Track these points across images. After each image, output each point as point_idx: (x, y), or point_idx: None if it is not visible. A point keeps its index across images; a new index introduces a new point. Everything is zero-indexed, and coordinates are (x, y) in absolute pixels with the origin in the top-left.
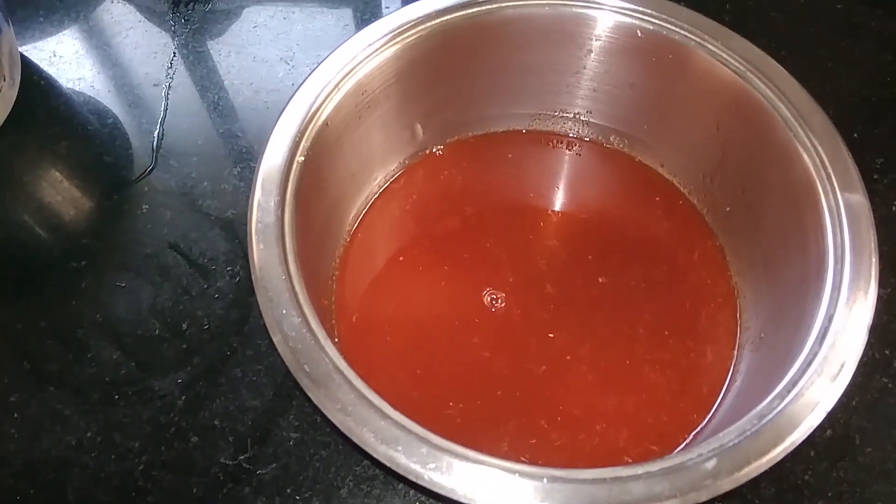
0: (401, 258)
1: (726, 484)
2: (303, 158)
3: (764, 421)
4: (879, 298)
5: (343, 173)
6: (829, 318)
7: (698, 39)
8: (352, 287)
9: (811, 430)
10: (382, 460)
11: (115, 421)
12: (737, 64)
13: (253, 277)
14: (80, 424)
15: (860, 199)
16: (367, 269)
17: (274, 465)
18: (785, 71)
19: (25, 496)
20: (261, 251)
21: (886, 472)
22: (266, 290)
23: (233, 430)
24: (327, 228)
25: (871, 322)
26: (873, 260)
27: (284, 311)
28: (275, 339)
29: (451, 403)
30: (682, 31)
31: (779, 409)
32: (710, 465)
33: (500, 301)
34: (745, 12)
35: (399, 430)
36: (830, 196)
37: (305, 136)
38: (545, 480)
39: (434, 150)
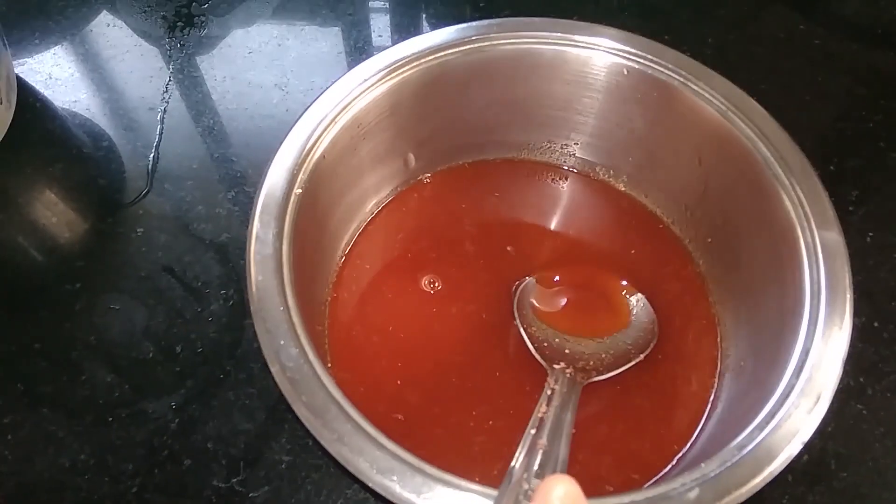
0: (392, 283)
1: None
2: (300, 190)
3: (744, 452)
4: (854, 327)
5: (338, 203)
6: (806, 352)
7: (682, 79)
8: (344, 312)
9: (789, 461)
10: (378, 490)
11: (108, 443)
12: (718, 103)
13: (251, 308)
14: (73, 446)
15: (836, 236)
16: (359, 295)
17: (266, 487)
18: (764, 111)
19: None
20: (259, 282)
21: (861, 497)
22: (264, 321)
23: (225, 452)
24: (321, 257)
25: (845, 356)
26: (848, 296)
27: (283, 342)
28: (273, 370)
29: (441, 427)
30: (667, 71)
31: (758, 440)
32: (693, 494)
33: (485, 323)
34: (726, 46)
35: (394, 460)
36: (808, 233)
37: (303, 169)
38: None
39: (425, 177)
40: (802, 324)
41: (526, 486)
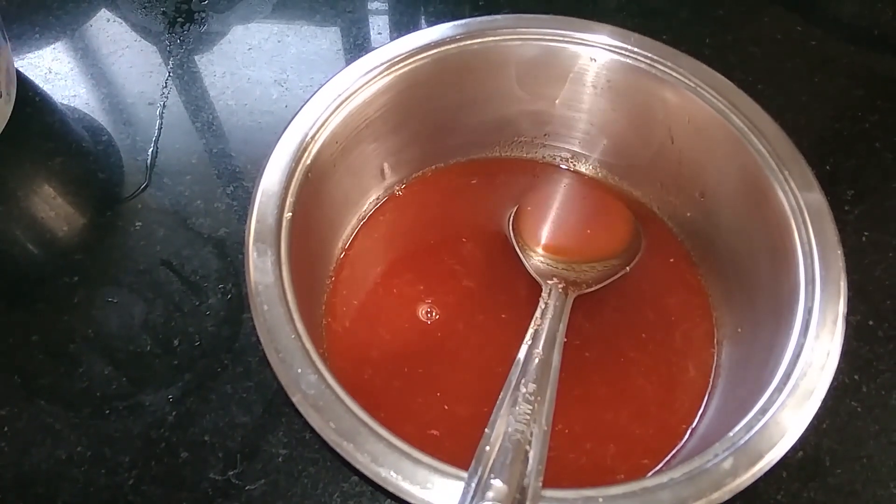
0: (385, 297)
1: (746, 481)
2: (290, 214)
3: (768, 416)
4: (849, 325)
5: (323, 221)
6: (809, 311)
7: (648, 62)
8: (340, 333)
9: (815, 411)
10: None
11: (105, 435)
12: (687, 81)
13: (262, 340)
14: (70, 438)
15: (818, 196)
16: (353, 314)
17: (263, 480)
18: (732, 84)
19: None
20: (266, 312)
21: (855, 493)
22: (277, 352)
23: (222, 445)
24: (314, 277)
25: (846, 310)
26: (839, 252)
27: (300, 371)
28: (294, 400)
29: (439, 429)
30: (633, 55)
31: (779, 402)
32: (728, 464)
33: (478, 323)
34: (724, 47)
35: (431, 472)
36: (790, 196)
37: (290, 192)
38: (578, 501)
39: (402, 185)
40: (800, 283)
41: (524, 390)
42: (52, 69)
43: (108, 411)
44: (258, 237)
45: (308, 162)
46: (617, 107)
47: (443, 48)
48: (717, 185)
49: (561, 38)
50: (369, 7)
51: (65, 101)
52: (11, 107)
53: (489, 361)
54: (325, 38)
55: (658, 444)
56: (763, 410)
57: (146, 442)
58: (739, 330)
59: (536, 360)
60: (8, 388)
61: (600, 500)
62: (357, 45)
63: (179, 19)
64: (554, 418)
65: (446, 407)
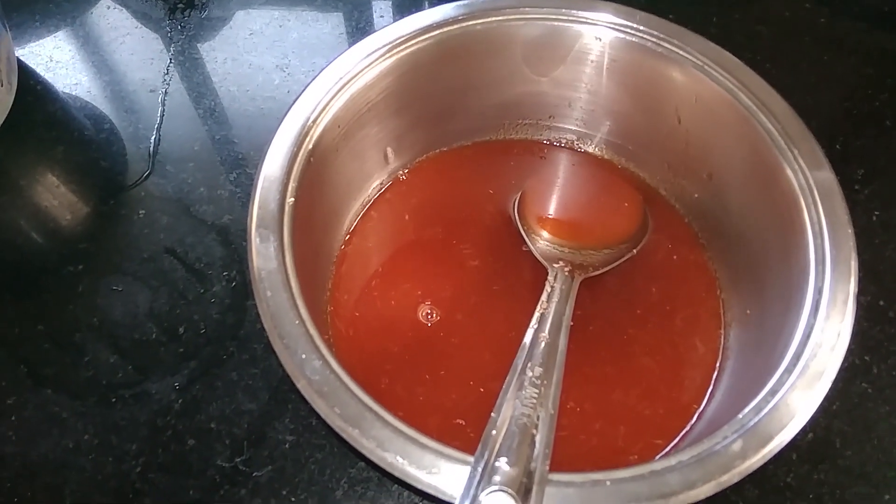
0: (391, 283)
1: (755, 463)
2: (293, 199)
3: (777, 398)
4: (860, 306)
5: (326, 206)
6: (819, 291)
7: (655, 40)
8: (345, 320)
9: (824, 396)
10: (428, 490)
11: (111, 424)
12: (694, 59)
13: (266, 326)
14: (77, 427)
15: (828, 175)
16: (357, 301)
17: (270, 467)
18: (742, 63)
19: (23, 499)
20: (269, 298)
21: (865, 475)
22: (281, 338)
23: (229, 432)
24: (317, 262)
25: (856, 290)
26: (849, 231)
27: (304, 356)
28: (299, 385)
29: (459, 419)
30: (639, 34)
31: (789, 383)
32: (737, 446)
33: (484, 307)
34: (731, 26)
35: (437, 456)
36: (800, 175)
37: (292, 177)
38: (586, 485)
39: (406, 170)
40: (810, 263)
41: (530, 374)
42: (53, 58)
43: (114, 399)
44: (261, 223)
45: (310, 146)
46: (623, 87)
47: (445, 29)
48: (725, 165)
49: (565, 18)
50: None
51: (66, 90)
52: (13, 96)
53: (497, 346)
54: (327, 23)
55: (669, 423)
56: (772, 392)
57: (152, 430)
58: (748, 312)
59: (543, 344)
60: (14, 378)
61: (608, 483)
62: (360, 29)
63: (180, 5)
64: (564, 399)
65: (473, 384)
